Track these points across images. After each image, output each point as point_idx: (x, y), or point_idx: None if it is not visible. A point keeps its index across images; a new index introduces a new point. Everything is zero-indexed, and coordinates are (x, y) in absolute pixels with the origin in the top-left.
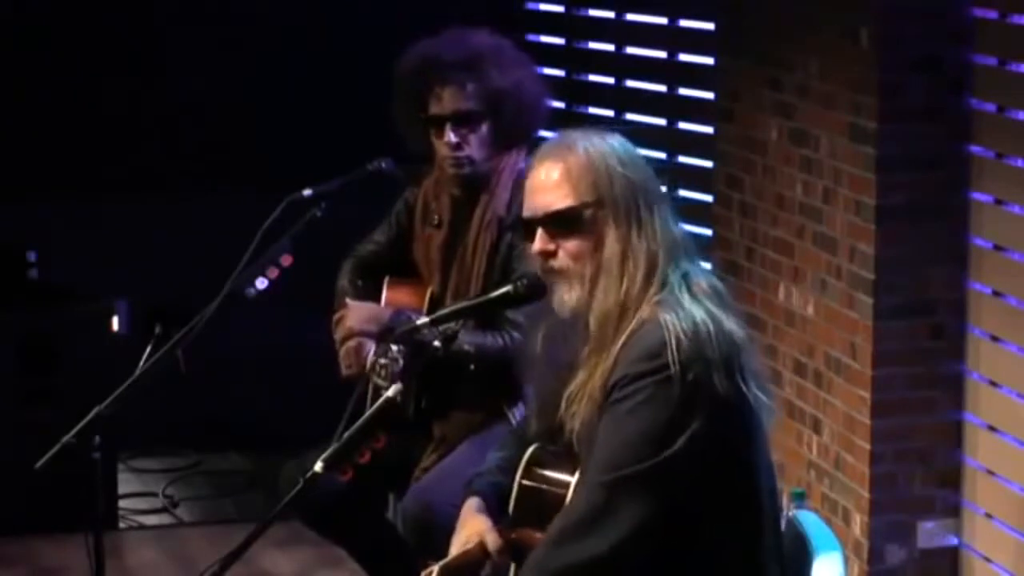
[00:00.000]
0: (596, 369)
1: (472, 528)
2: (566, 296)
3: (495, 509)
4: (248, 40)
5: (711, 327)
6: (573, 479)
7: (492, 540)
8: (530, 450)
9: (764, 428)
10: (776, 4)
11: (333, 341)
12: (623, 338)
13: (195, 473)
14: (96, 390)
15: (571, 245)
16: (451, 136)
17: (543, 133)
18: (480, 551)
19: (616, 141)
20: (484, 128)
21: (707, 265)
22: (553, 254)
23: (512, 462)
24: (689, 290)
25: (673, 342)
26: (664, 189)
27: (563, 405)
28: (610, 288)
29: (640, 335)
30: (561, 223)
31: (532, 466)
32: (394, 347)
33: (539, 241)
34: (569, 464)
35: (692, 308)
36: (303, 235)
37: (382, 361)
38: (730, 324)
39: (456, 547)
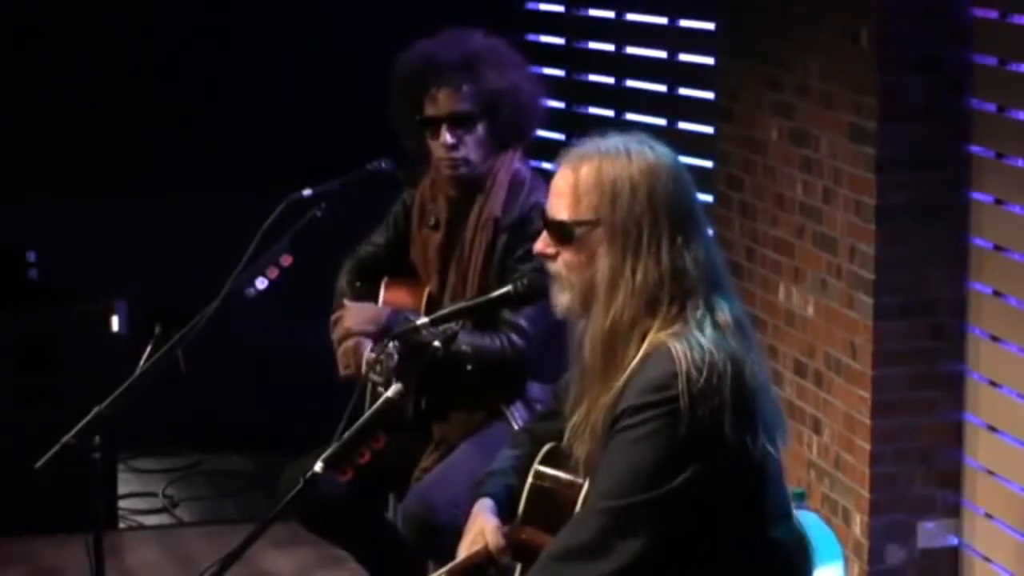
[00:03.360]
0: (598, 400)
1: (478, 529)
2: (559, 296)
3: (506, 511)
4: (248, 40)
5: (730, 369)
6: (585, 481)
7: (494, 540)
8: (544, 449)
9: (773, 478)
10: (776, 4)
11: (332, 341)
12: (628, 370)
13: (195, 473)
14: (96, 390)
15: (566, 255)
16: (447, 137)
17: (541, 133)
18: (485, 553)
19: (647, 158)
20: (480, 129)
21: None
22: (552, 257)
23: (525, 461)
24: (715, 325)
25: (684, 376)
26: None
27: (566, 435)
28: (598, 314)
29: (648, 364)
30: (557, 232)
31: (544, 466)
32: (390, 344)
33: (540, 242)
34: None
35: (712, 345)
36: (303, 235)
37: (375, 356)
38: (751, 368)
39: (464, 548)
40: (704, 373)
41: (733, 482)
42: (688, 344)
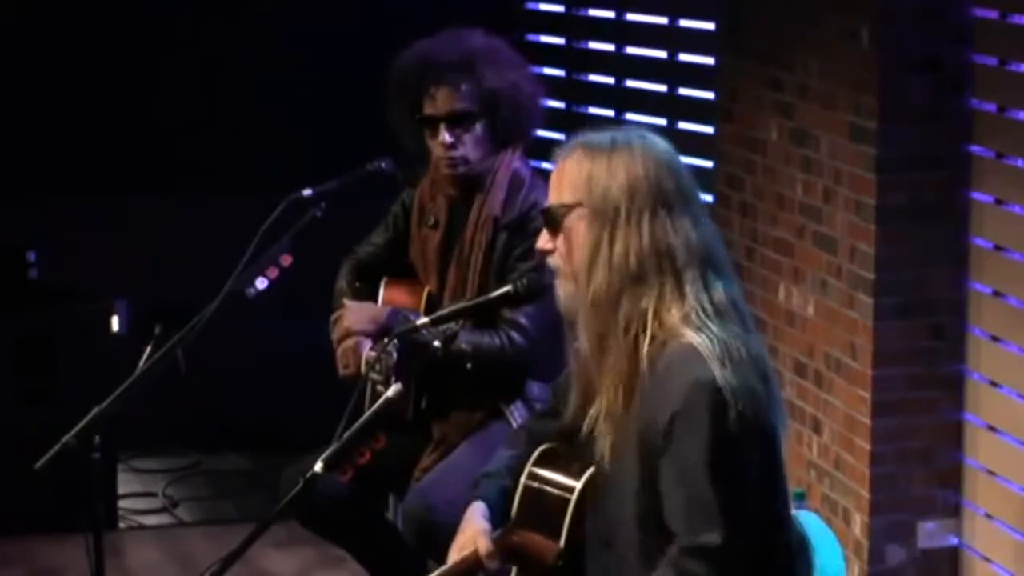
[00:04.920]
0: (617, 391)
1: (469, 533)
2: (560, 291)
3: (499, 514)
4: (248, 40)
5: (744, 352)
6: (578, 484)
7: (483, 545)
8: (538, 451)
9: (783, 467)
10: (776, 4)
11: (331, 341)
12: (644, 359)
13: (195, 473)
14: (96, 390)
15: (560, 244)
16: (446, 136)
17: (541, 133)
18: (474, 558)
19: (631, 144)
20: (479, 128)
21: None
22: (551, 251)
23: (521, 461)
24: (712, 303)
25: (719, 372)
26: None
27: (585, 427)
28: (581, 292)
29: (677, 362)
30: (548, 221)
31: (538, 467)
32: (389, 343)
33: (541, 238)
34: (576, 467)
35: (721, 330)
36: (303, 235)
37: (375, 355)
38: (756, 347)
39: (454, 552)
40: (732, 365)
41: (770, 465)
42: (708, 338)
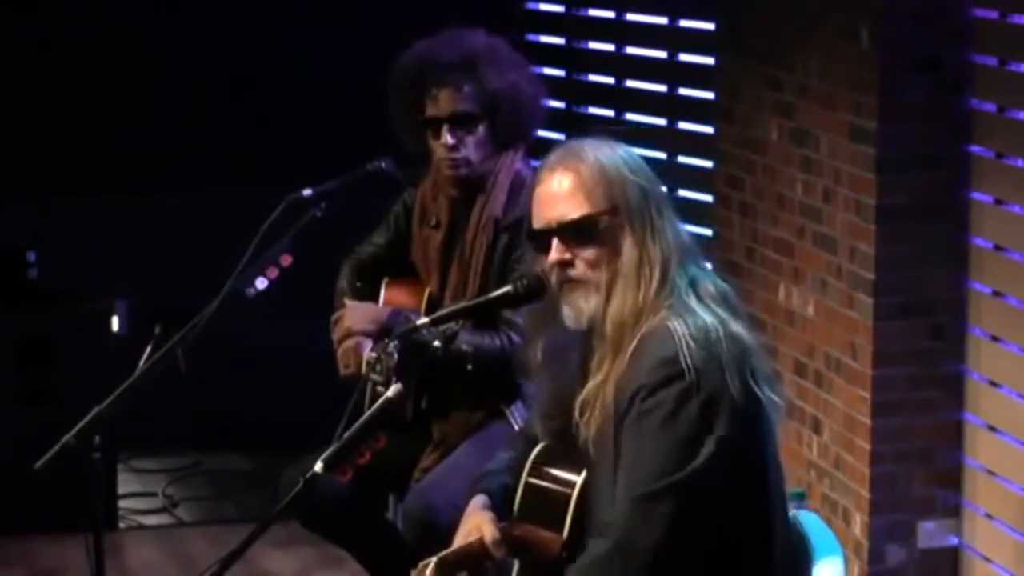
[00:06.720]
0: (609, 374)
1: (474, 522)
2: (583, 304)
3: (502, 508)
4: (248, 40)
5: (720, 332)
6: (579, 479)
7: (490, 533)
8: (538, 448)
9: (775, 428)
10: (776, 4)
11: (332, 341)
12: (634, 344)
13: (195, 473)
14: (96, 390)
15: (588, 254)
16: (448, 138)
17: (541, 133)
18: (479, 545)
19: (620, 148)
20: (481, 129)
21: (708, 265)
22: (570, 264)
23: (520, 461)
24: (696, 294)
25: (685, 350)
26: (666, 191)
27: (576, 410)
28: (627, 294)
29: (651, 343)
30: (577, 233)
31: (539, 464)
32: (390, 344)
33: (555, 252)
34: (576, 463)
35: (701, 313)
36: (303, 235)
37: (375, 356)
38: (737, 327)
39: (460, 538)
40: (701, 344)
41: (746, 441)
42: (684, 321)
